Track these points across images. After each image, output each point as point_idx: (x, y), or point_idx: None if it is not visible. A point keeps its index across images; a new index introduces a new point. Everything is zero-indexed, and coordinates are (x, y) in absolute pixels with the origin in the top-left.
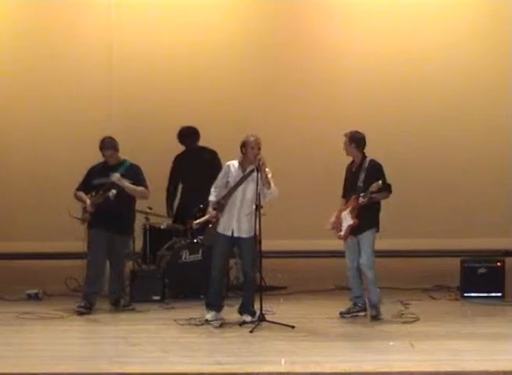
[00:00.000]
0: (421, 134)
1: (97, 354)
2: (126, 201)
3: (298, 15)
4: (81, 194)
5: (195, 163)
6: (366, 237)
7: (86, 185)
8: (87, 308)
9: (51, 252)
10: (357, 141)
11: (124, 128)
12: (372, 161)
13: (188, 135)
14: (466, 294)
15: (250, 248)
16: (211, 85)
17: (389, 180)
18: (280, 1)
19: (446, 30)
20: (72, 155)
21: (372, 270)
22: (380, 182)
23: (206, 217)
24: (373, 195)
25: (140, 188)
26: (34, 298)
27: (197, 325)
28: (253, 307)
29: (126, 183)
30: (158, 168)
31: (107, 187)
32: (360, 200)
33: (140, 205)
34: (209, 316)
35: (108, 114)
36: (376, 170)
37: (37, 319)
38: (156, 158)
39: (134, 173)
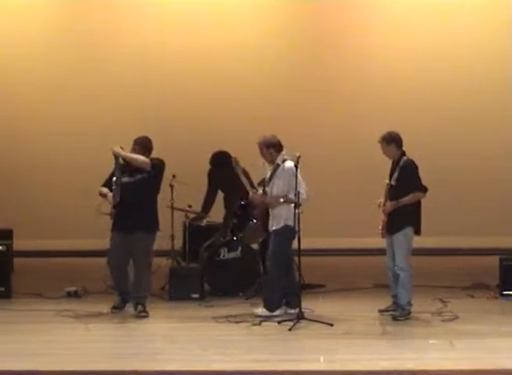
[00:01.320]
0: (455, 132)
1: (136, 351)
2: (144, 198)
3: (330, 13)
4: (102, 188)
5: (226, 180)
6: (397, 238)
7: (109, 183)
8: (118, 308)
9: (91, 250)
10: (395, 140)
11: (158, 128)
12: (407, 160)
13: (221, 164)
14: (505, 293)
15: (271, 242)
16: (243, 83)
17: (426, 178)
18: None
19: (479, 30)
20: (111, 156)
21: (404, 272)
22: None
23: None
24: (399, 201)
25: (140, 157)
26: (74, 295)
27: (236, 322)
28: (270, 302)
29: (123, 153)
30: (191, 167)
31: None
32: (385, 209)
33: (179, 203)
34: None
35: (141, 114)
36: (407, 170)
37: (75, 316)
38: (190, 157)
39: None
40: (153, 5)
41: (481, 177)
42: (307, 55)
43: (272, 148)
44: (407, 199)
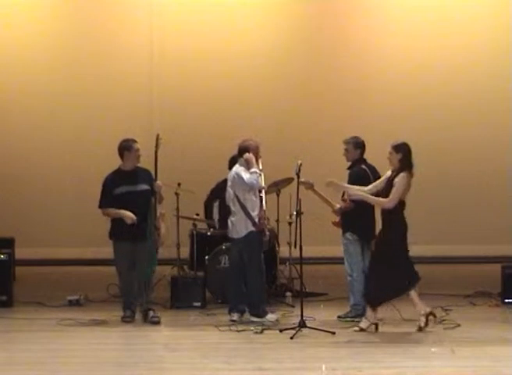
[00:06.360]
0: (457, 138)
1: (137, 360)
2: (148, 208)
3: (338, 18)
4: (113, 210)
5: None
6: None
7: (109, 198)
8: (131, 317)
9: (93, 258)
10: (362, 146)
11: (163, 135)
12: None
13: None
14: (507, 300)
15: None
16: (251, 90)
17: (427, 186)
18: (317, 6)
19: (481, 31)
20: (114, 162)
21: (349, 277)
22: None
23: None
24: None
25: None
26: (75, 304)
27: (238, 331)
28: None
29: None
30: (199, 175)
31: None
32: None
33: (184, 212)
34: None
35: (146, 121)
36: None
37: (77, 325)
38: (198, 165)
39: (150, 179)
40: (160, 11)
41: (484, 186)
42: (314, 60)
43: None
44: None
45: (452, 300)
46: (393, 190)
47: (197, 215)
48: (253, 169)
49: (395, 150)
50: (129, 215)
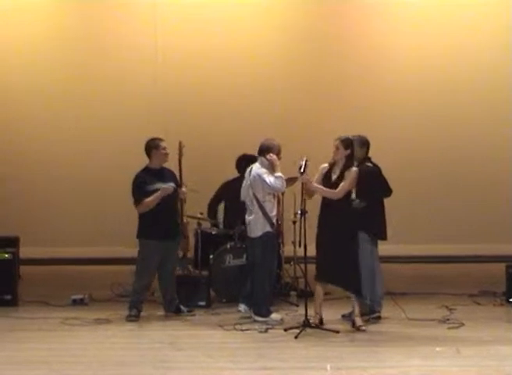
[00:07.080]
0: (463, 139)
1: (142, 359)
2: (175, 207)
3: (338, 17)
4: (149, 197)
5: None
6: None
7: (142, 194)
8: (136, 317)
9: (97, 258)
10: (367, 144)
11: (166, 134)
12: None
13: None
14: (511, 300)
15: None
16: (254, 89)
17: (431, 186)
18: (318, 6)
19: (491, 31)
20: (118, 162)
21: None
22: None
23: None
24: None
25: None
26: (80, 303)
27: (242, 330)
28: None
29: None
30: (203, 174)
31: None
32: None
33: (190, 210)
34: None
35: (148, 120)
36: None
37: (81, 324)
38: (202, 164)
39: (175, 179)
40: (163, 9)
41: (487, 185)
42: (315, 60)
43: None
44: None
45: (456, 299)
46: (344, 183)
47: (201, 214)
48: (278, 174)
49: (344, 146)
50: (167, 186)
